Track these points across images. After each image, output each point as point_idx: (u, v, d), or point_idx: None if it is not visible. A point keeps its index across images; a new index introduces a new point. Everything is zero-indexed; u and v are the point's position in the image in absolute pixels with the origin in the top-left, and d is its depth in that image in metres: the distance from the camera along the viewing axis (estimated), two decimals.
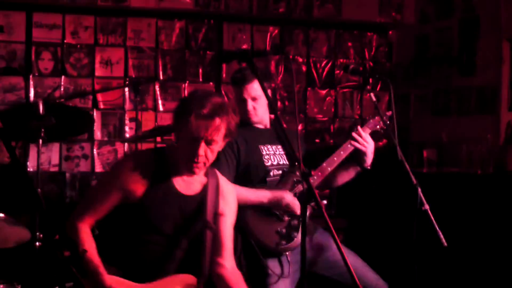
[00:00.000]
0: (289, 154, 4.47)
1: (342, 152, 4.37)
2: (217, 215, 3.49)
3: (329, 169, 4.35)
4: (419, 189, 4.00)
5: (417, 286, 3.99)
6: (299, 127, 7.30)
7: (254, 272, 4.19)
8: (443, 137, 7.05)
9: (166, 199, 3.37)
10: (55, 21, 6.85)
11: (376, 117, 4.47)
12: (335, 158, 4.37)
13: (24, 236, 3.79)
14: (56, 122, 4.36)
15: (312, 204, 3.97)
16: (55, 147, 6.78)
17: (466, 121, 6.96)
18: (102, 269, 3.19)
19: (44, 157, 6.62)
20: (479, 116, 6.84)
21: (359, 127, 4.39)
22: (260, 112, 4.43)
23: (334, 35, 7.76)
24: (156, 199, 3.34)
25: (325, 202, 4.31)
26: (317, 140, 4.65)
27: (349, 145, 4.37)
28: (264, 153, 4.38)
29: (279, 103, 7.43)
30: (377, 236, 6.60)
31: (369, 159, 4.38)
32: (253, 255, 4.17)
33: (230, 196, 3.64)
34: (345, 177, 4.52)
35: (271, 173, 4.34)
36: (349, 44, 7.80)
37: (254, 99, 4.37)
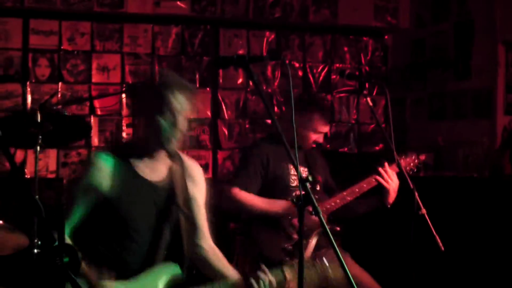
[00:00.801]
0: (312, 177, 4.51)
1: (364, 185, 4.39)
2: (189, 199, 3.50)
3: (348, 198, 4.38)
4: (416, 193, 4.01)
5: None
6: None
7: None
8: (439, 141, 7.06)
9: (136, 190, 3.35)
10: (51, 27, 6.85)
11: (408, 159, 4.45)
12: (357, 190, 4.40)
13: (22, 242, 3.79)
14: (53, 128, 4.36)
15: (310, 209, 3.98)
16: (53, 153, 6.78)
17: (462, 125, 6.97)
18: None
19: (41, 163, 6.61)
20: (475, 119, 6.85)
21: (386, 164, 4.37)
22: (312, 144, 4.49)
23: (330, 40, 7.78)
24: (125, 191, 3.32)
25: (338, 228, 4.32)
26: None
27: (373, 180, 4.37)
28: (292, 172, 4.40)
29: (276, 108, 7.44)
30: (374, 241, 6.60)
31: (391, 198, 4.38)
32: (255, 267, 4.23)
33: (198, 175, 3.62)
34: (363, 208, 4.54)
35: (294, 194, 4.34)
36: (345, 48, 7.82)
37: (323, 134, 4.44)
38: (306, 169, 4.51)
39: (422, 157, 4.43)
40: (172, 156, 3.48)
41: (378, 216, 6.45)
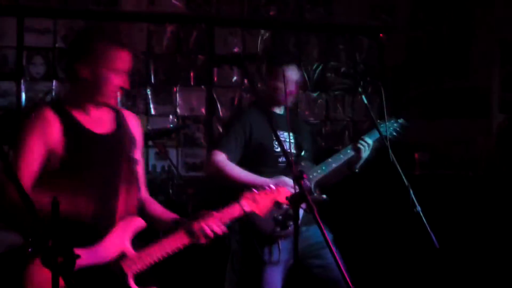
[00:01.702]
0: (298, 144, 4.52)
1: (349, 152, 4.45)
2: (134, 151, 3.43)
3: (333, 165, 4.43)
4: (411, 191, 4.01)
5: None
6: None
7: (248, 257, 4.31)
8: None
9: (88, 145, 3.25)
10: (46, 25, 6.84)
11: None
12: (341, 156, 4.45)
13: (16, 241, 3.78)
14: None
15: (304, 206, 3.98)
16: None
17: (458, 123, 6.97)
18: None
19: None
20: (470, 118, 6.86)
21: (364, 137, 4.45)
22: (291, 98, 4.50)
23: (325, 38, 7.77)
24: (78, 148, 3.20)
25: (324, 196, 4.37)
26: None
27: (357, 146, 4.43)
28: (275, 138, 4.40)
29: None
30: (369, 238, 6.60)
31: (359, 164, 4.47)
32: (248, 241, 4.22)
33: (136, 125, 3.55)
34: (335, 179, 4.58)
35: (280, 159, 4.37)
36: (340, 47, 7.81)
37: (295, 83, 4.46)
38: (291, 134, 4.52)
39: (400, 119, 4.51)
40: (114, 108, 3.43)
41: (374, 213, 6.46)
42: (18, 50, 6.78)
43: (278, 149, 4.38)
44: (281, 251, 4.25)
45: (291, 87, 4.42)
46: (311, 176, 4.39)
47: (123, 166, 3.36)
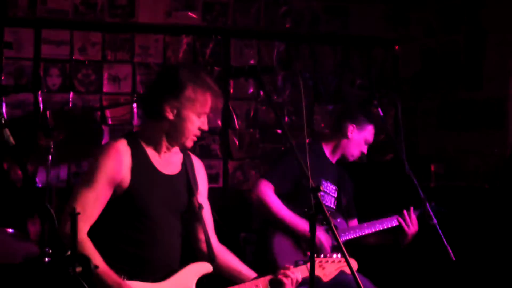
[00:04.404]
0: (339, 201, 4.55)
1: (386, 223, 4.45)
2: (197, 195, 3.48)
3: (367, 231, 4.43)
4: (427, 204, 4.02)
5: None
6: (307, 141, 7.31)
7: None
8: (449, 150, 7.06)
9: (153, 184, 3.31)
10: (63, 37, 6.88)
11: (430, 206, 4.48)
12: (377, 225, 4.46)
13: (33, 251, 3.81)
14: (65, 137, 4.38)
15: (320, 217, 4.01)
16: (64, 162, 6.79)
17: (473, 135, 6.96)
18: (119, 279, 3.15)
19: (52, 172, 6.63)
20: (486, 129, 6.84)
21: (412, 208, 4.42)
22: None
23: (341, 50, 7.78)
24: (142, 185, 3.27)
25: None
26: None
27: (395, 220, 4.43)
28: (322, 188, 4.43)
29: (286, 118, 7.44)
30: (384, 251, 6.59)
31: (407, 241, 4.45)
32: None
33: (203, 171, 3.62)
34: (376, 241, 4.59)
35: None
36: (356, 58, 7.82)
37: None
38: (335, 188, 4.55)
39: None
40: (183, 151, 3.48)
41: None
42: (35, 61, 6.82)
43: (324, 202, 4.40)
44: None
45: (366, 149, 4.48)
46: (342, 237, 4.42)
47: (181, 207, 3.42)
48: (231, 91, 7.36)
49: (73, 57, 6.91)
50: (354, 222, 4.77)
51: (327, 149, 4.60)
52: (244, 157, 7.39)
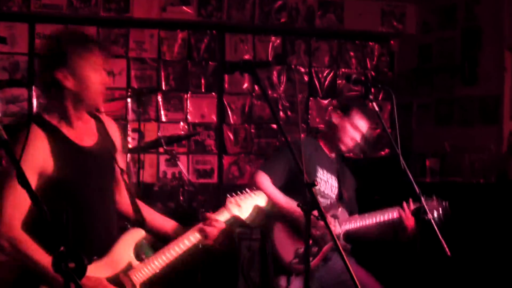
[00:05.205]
0: (341, 191, 4.54)
1: (387, 215, 4.43)
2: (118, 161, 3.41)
3: (367, 223, 4.42)
4: (423, 199, 4.01)
5: None
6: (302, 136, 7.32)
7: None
8: (446, 146, 7.05)
9: (78, 161, 3.17)
10: None
11: (433, 203, 4.44)
12: (378, 216, 4.44)
13: None
14: None
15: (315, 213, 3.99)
16: None
17: (469, 131, 6.96)
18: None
19: None
20: (481, 125, 6.84)
21: (410, 200, 4.40)
22: (351, 148, 4.59)
23: (336, 45, 7.77)
24: (68, 165, 3.12)
25: (349, 246, 4.45)
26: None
27: (396, 212, 4.41)
28: (318, 175, 4.44)
29: (281, 113, 7.44)
30: (380, 246, 6.58)
31: (406, 236, 4.42)
32: (265, 271, 4.25)
33: (115, 130, 3.49)
34: (376, 236, 4.58)
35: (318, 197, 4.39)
36: (351, 53, 7.81)
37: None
38: (335, 179, 4.54)
39: (446, 203, 4.45)
40: (92, 115, 3.36)
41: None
42: (29, 56, 6.80)
43: (317, 187, 4.38)
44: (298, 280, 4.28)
45: (358, 137, 4.46)
46: (343, 226, 4.42)
47: (110, 177, 3.35)
48: (226, 86, 7.35)
49: None
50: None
51: (324, 144, 4.60)
52: (238, 152, 7.39)
